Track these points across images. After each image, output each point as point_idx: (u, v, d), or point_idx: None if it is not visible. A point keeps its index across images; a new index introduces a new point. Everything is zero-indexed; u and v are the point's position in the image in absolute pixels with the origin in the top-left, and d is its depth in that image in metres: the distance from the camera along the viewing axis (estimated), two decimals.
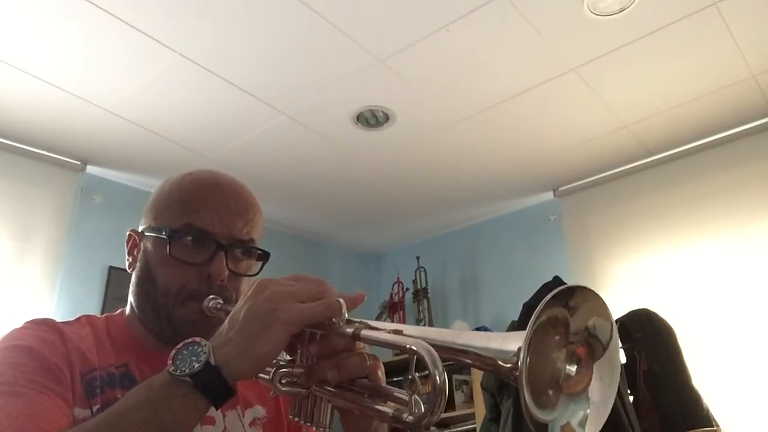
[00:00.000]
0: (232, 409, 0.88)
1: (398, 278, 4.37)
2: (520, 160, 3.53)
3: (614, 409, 2.05)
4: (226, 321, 0.67)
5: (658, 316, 2.55)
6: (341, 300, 0.67)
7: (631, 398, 2.33)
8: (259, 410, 0.92)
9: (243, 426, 0.88)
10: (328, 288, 0.69)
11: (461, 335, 0.61)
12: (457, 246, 4.42)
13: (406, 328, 0.66)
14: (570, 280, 2.83)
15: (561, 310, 0.55)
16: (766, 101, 3.04)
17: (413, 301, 4.24)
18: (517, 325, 2.83)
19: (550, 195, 3.94)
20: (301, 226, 4.25)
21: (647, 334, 2.46)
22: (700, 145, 3.36)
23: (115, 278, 3.28)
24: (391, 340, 0.64)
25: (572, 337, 0.57)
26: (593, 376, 0.57)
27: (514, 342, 0.54)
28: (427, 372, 0.57)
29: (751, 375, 2.88)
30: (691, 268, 3.23)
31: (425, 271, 4.29)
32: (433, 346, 0.59)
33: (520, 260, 3.97)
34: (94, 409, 0.75)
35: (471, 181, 3.76)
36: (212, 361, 0.62)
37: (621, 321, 2.51)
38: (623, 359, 2.45)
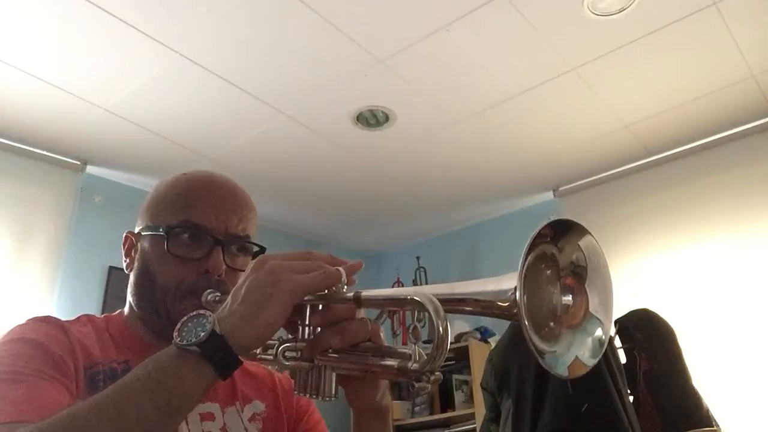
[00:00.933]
0: (231, 405, 0.89)
1: (398, 278, 4.37)
2: (520, 160, 3.53)
3: (614, 409, 2.05)
4: (229, 296, 0.68)
5: (658, 316, 2.54)
6: (340, 269, 0.68)
7: (631, 398, 2.32)
8: (259, 405, 0.92)
9: (242, 421, 0.88)
10: (326, 258, 0.71)
11: (457, 285, 0.64)
12: (457, 246, 4.41)
13: (402, 289, 0.68)
14: None
15: (550, 247, 0.58)
16: (766, 101, 3.04)
17: None
18: (518, 325, 2.83)
19: (550, 195, 3.94)
20: (301, 226, 4.25)
21: (647, 335, 2.46)
22: (700, 145, 3.36)
23: (115, 278, 3.28)
24: (392, 295, 0.67)
25: (562, 271, 0.60)
26: (588, 295, 0.60)
27: (509, 281, 0.56)
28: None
29: (751, 375, 2.88)
30: (691, 268, 3.23)
31: (425, 271, 4.29)
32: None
33: (520, 260, 3.96)
34: None
35: (471, 181, 3.76)
36: (218, 330, 0.63)
37: (621, 321, 2.51)
38: (623, 359, 2.45)
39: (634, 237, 3.49)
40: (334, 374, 0.72)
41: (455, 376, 3.72)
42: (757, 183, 3.14)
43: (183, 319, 0.65)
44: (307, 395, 0.71)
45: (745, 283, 3.02)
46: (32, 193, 3.10)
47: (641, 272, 3.39)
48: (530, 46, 2.58)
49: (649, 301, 2.73)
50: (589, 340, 0.59)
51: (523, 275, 0.54)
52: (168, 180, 0.94)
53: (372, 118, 3.08)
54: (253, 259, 0.92)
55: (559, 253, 0.59)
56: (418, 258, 4.33)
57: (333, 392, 0.71)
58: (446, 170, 3.62)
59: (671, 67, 2.76)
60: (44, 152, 3.16)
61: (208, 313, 0.65)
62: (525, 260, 0.55)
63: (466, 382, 3.70)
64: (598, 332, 0.59)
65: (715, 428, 2.29)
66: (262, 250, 0.93)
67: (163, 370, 0.62)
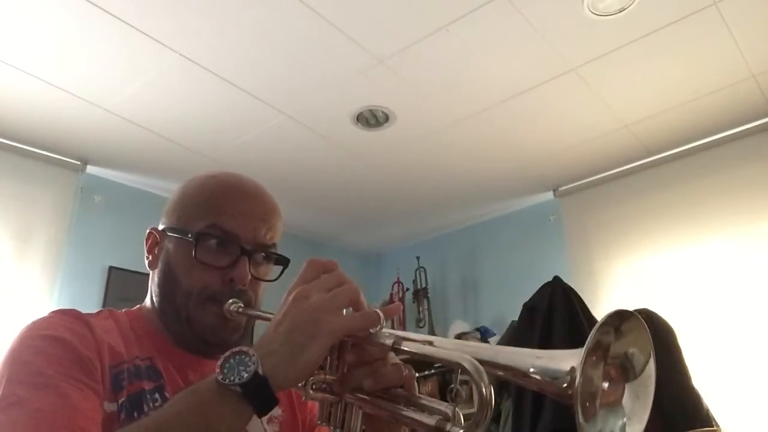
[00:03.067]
0: None
1: (398, 278, 4.36)
2: (520, 160, 3.53)
3: None
4: (268, 331, 0.68)
5: (658, 316, 2.54)
6: (379, 311, 0.68)
7: None
8: (275, 409, 0.93)
9: (262, 422, 0.88)
10: (361, 297, 0.70)
11: (502, 350, 0.63)
12: (457, 246, 4.41)
13: (439, 341, 0.66)
14: (570, 281, 2.83)
15: (609, 333, 0.57)
16: (766, 101, 3.04)
17: (413, 301, 4.23)
18: (517, 326, 2.83)
19: (550, 195, 3.94)
20: (301, 226, 4.25)
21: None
22: (700, 145, 3.36)
23: (115, 278, 3.28)
24: (434, 354, 0.65)
25: (609, 359, 0.59)
26: (626, 391, 0.59)
27: (565, 362, 0.55)
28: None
29: (751, 375, 2.88)
30: (690, 268, 3.23)
31: (425, 271, 4.29)
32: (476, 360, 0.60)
33: (520, 260, 3.97)
34: (120, 401, 0.76)
35: (471, 181, 3.76)
36: (260, 371, 0.63)
37: None
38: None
39: (634, 237, 3.49)
40: (361, 411, 0.71)
41: (455, 376, 3.71)
42: (757, 183, 3.14)
43: (225, 355, 0.65)
44: (331, 428, 0.71)
45: (745, 283, 3.02)
46: (32, 193, 3.10)
47: (641, 272, 3.39)
48: (530, 46, 2.58)
49: (649, 301, 2.74)
50: (620, 422, 0.59)
51: (584, 361, 0.53)
52: (195, 181, 0.93)
53: (372, 118, 3.08)
54: (275, 265, 0.93)
55: (615, 340, 0.58)
56: (418, 258, 4.33)
57: (359, 429, 0.71)
58: (446, 170, 3.62)
59: (671, 67, 2.76)
60: (44, 152, 3.16)
61: (251, 352, 0.65)
62: (589, 346, 0.54)
63: (466, 382, 3.69)
64: (625, 419, 0.59)
65: (715, 428, 2.29)
66: (286, 260, 0.93)
67: (205, 406, 0.63)
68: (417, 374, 0.63)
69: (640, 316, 0.58)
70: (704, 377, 2.64)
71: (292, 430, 0.93)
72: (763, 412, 2.81)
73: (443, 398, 0.68)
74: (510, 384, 2.32)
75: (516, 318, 2.82)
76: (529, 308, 2.66)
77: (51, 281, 3.04)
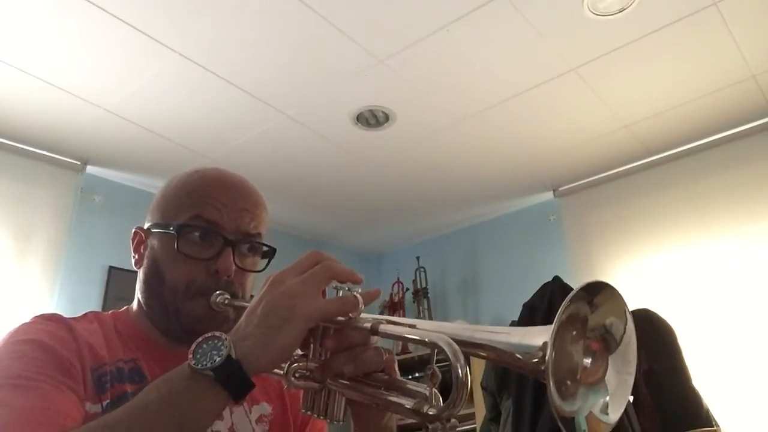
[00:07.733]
0: (239, 405, 0.88)
1: (398, 278, 4.37)
2: (520, 160, 3.53)
3: None
4: (243, 316, 0.68)
5: (658, 316, 2.54)
6: (358, 295, 0.67)
7: (631, 398, 2.32)
8: (266, 407, 0.92)
9: (250, 422, 0.88)
10: (335, 266, 0.69)
11: (479, 329, 0.62)
12: (457, 246, 4.42)
13: (420, 323, 0.66)
14: (570, 280, 2.83)
15: (584, 306, 0.56)
16: (766, 101, 3.04)
17: (413, 301, 4.24)
18: (517, 326, 2.83)
19: (550, 195, 3.94)
20: (301, 226, 4.25)
21: (647, 334, 2.45)
22: (700, 145, 3.36)
23: (115, 278, 3.28)
24: (411, 334, 0.65)
25: (589, 332, 0.58)
26: (609, 366, 0.59)
27: (537, 337, 0.55)
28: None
29: (751, 375, 2.88)
30: (690, 268, 3.23)
31: (425, 271, 4.29)
32: (452, 339, 0.59)
33: (520, 260, 3.97)
34: (104, 403, 0.76)
35: (471, 181, 3.76)
36: (233, 355, 0.63)
37: None
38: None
39: (634, 237, 3.49)
40: (344, 398, 0.71)
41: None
42: (757, 183, 3.14)
43: (198, 341, 0.64)
44: (316, 415, 0.71)
45: (745, 283, 3.02)
46: (32, 193, 3.10)
47: (641, 272, 3.39)
48: (530, 46, 2.58)
49: (649, 301, 2.74)
50: (601, 401, 0.58)
51: (555, 334, 0.53)
52: (180, 176, 0.93)
53: (372, 118, 3.08)
54: (262, 258, 0.92)
55: (591, 312, 0.57)
56: (418, 258, 4.33)
57: (342, 415, 0.71)
58: (446, 170, 3.62)
59: (671, 67, 2.76)
60: (44, 152, 3.16)
61: (224, 336, 0.64)
62: (560, 320, 0.53)
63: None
64: (607, 398, 0.58)
65: (715, 428, 2.29)
66: (273, 250, 0.92)
67: (177, 393, 0.62)
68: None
69: (612, 285, 0.57)
70: (704, 377, 2.64)
71: (282, 429, 0.92)
72: (763, 412, 2.81)
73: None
74: (510, 384, 2.32)
75: (516, 317, 2.82)
76: (529, 308, 2.66)
77: (51, 281, 3.04)
